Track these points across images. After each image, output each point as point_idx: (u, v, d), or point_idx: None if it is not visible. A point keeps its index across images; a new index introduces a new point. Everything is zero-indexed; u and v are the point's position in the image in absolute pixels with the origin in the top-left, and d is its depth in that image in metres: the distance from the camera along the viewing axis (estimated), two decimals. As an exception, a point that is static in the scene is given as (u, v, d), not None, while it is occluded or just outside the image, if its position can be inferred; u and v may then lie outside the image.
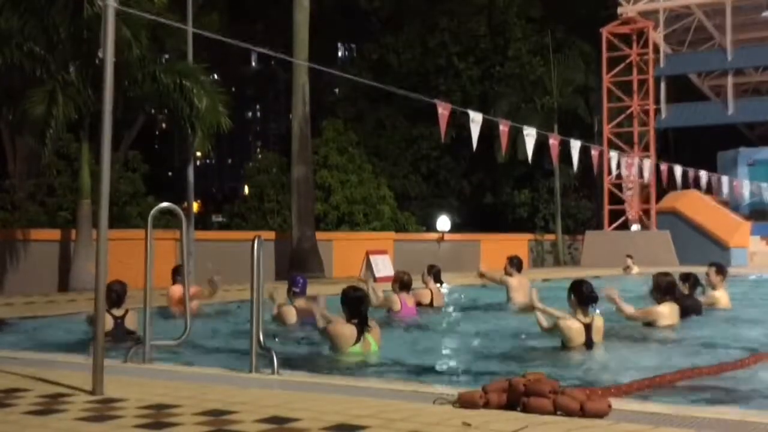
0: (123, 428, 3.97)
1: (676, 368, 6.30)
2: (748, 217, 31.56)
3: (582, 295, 7.39)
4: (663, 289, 8.98)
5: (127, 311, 8.25)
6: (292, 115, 21.92)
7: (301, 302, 9.06)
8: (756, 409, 5.00)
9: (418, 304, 10.89)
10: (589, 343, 7.33)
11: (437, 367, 6.98)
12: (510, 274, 12.30)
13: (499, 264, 13.81)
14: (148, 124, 33.93)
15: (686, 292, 9.98)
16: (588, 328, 7.35)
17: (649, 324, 8.86)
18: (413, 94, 17.08)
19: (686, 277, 10.25)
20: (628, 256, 22.22)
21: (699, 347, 7.86)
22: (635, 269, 21.24)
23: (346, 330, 7.05)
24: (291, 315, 8.94)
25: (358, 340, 6.99)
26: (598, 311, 7.74)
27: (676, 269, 12.58)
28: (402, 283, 10.40)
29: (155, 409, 4.37)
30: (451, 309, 11.83)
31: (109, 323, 7.76)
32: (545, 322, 7.67)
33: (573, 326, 7.34)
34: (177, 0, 18.57)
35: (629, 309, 9.03)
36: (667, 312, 8.85)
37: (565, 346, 7.37)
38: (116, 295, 8.13)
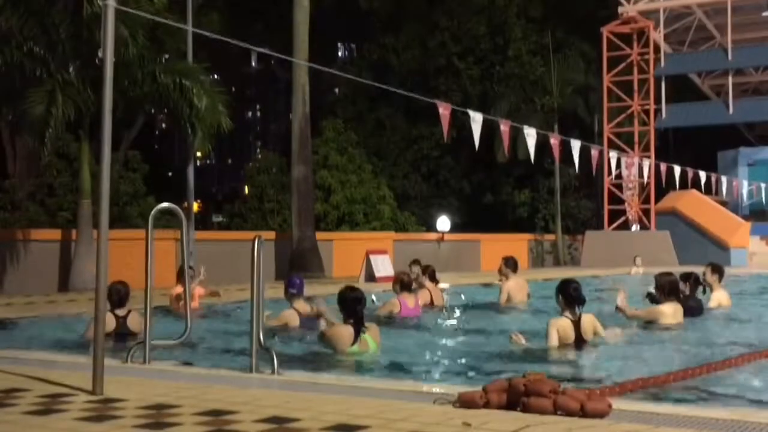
0: (123, 428, 3.97)
1: (676, 368, 6.30)
2: (747, 217, 31.54)
3: (569, 296, 7.45)
4: (665, 288, 9.00)
5: (129, 311, 8.23)
6: (292, 115, 21.91)
7: (300, 304, 9.05)
8: (755, 408, 5.00)
9: None
10: (579, 342, 7.37)
11: (437, 367, 6.98)
12: (506, 275, 12.29)
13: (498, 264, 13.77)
14: (148, 124, 33.92)
15: (687, 292, 9.99)
16: (577, 325, 7.40)
17: (651, 323, 8.87)
18: (413, 94, 17.08)
19: (687, 277, 10.26)
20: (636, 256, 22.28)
21: (699, 347, 7.86)
22: (640, 269, 21.27)
23: (344, 331, 7.05)
24: (294, 318, 8.92)
25: (355, 340, 6.99)
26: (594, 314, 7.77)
27: (676, 269, 12.59)
28: (402, 283, 10.45)
29: (155, 409, 4.36)
30: (451, 309, 11.83)
31: (111, 324, 7.75)
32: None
33: (563, 323, 7.37)
34: (177, 0, 18.57)
35: (631, 310, 9.06)
36: (670, 311, 8.87)
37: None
38: (119, 295, 8.12)
